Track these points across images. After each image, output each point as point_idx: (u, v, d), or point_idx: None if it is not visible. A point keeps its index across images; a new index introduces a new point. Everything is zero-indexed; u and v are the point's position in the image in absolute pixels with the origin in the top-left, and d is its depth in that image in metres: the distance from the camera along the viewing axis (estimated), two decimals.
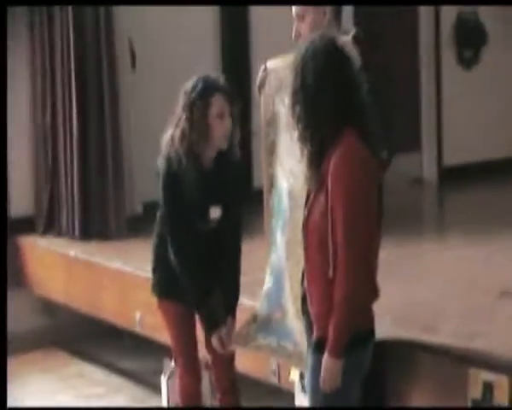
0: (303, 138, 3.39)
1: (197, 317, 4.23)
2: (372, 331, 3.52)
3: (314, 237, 3.40)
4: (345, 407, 3.46)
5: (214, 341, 4.17)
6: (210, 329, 4.17)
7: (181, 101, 4.10)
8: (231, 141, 4.16)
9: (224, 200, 4.19)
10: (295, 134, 3.43)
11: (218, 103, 4.07)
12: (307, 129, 3.38)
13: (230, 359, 4.31)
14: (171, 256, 4.12)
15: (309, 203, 3.45)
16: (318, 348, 3.41)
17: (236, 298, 4.26)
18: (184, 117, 4.06)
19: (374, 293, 3.49)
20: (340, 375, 3.35)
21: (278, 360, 4.43)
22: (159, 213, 4.25)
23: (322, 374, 3.36)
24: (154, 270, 4.30)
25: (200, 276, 4.13)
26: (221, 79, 4.16)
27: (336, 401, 3.43)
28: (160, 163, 4.12)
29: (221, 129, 4.08)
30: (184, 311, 4.21)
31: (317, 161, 3.38)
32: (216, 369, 4.34)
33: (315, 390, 3.46)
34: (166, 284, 4.22)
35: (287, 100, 3.48)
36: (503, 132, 9.08)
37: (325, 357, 3.35)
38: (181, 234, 4.11)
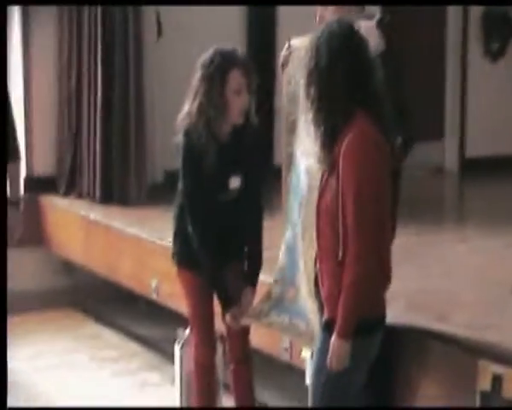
0: (316, 120, 3.42)
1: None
2: (382, 318, 3.55)
3: (325, 219, 3.43)
4: (345, 407, 3.50)
5: (228, 317, 4.21)
6: (224, 306, 4.21)
7: (198, 73, 4.10)
8: (248, 114, 4.18)
9: (243, 170, 4.21)
10: (309, 115, 3.45)
11: (235, 79, 4.07)
12: (320, 110, 3.40)
13: (246, 330, 4.35)
14: (190, 230, 4.16)
15: (321, 185, 3.48)
16: (327, 328, 3.45)
17: (259, 267, 4.28)
18: (202, 91, 4.06)
19: (385, 279, 3.51)
20: (347, 357, 3.38)
21: (290, 337, 4.47)
22: (179, 185, 4.28)
23: (329, 354, 3.40)
24: (175, 239, 4.33)
25: (218, 252, 4.16)
26: (239, 52, 4.15)
27: (338, 383, 3.47)
28: (179, 138, 4.14)
29: (238, 105, 4.09)
30: (203, 281, 4.24)
31: (329, 142, 3.41)
32: (231, 340, 4.37)
33: (319, 369, 3.49)
34: (186, 254, 4.25)
35: (302, 81, 3.50)
36: None
37: (333, 338, 3.38)
38: (199, 210, 4.14)
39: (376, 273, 3.40)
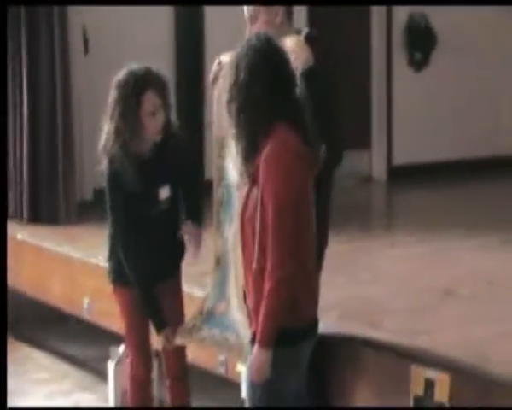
0: (238, 135, 3.43)
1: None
2: (310, 327, 3.51)
3: (249, 230, 3.43)
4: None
5: (161, 338, 4.20)
6: (157, 327, 4.21)
7: (113, 93, 4.09)
8: (168, 127, 4.18)
9: (170, 179, 4.22)
10: (231, 132, 3.46)
11: (150, 101, 4.08)
12: (241, 126, 3.41)
13: (182, 346, 4.34)
14: (121, 255, 4.17)
15: (244, 196, 3.49)
16: (253, 341, 3.41)
17: (198, 203, 4.36)
18: (117, 113, 4.06)
19: (311, 287, 3.49)
20: (267, 366, 3.35)
21: (220, 351, 4.46)
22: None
23: (249, 364, 3.40)
24: (110, 257, 4.32)
25: (150, 272, 4.16)
26: (153, 70, 4.14)
27: (271, 394, 3.43)
28: (103, 165, 4.14)
29: (153, 125, 4.11)
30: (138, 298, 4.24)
31: (250, 156, 3.42)
32: (167, 356, 4.36)
33: (251, 385, 3.46)
34: (120, 271, 4.23)
35: (223, 98, 3.50)
36: (451, 134, 9.23)
37: (254, 348, 3.37)
38: (128, 236, 4.14)
39: (297, 280, 3.37)
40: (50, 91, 6.98)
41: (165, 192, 4.21)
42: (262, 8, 3.94)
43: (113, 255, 4.29)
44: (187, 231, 4.28)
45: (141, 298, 4.17)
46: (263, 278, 3.36)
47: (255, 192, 3.40)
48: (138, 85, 4.06)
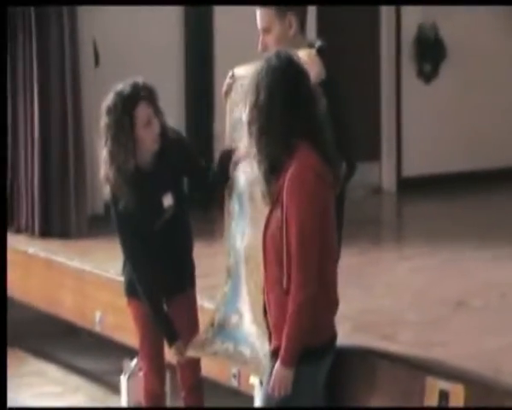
0: (259, 156, 3.44)
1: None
2: (330, 343, 3.58)
3: (271, 250, 3.45)
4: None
5: (172, 352, 4.21)
6: (168, 341, 4.22)
7: (104, 119, 4.10)
8: (164, 133, 4.18)
9: (172, 185, 4.22)
10: (253, 152, 3.47)
11: (142, 113, 4.08)
12: (262, 147, 3.42)
13: (197, 358, 4.34)
14: (131, 270, 4.21)
15: (267, 216, 3.50)
16: (274, 356, 3.47)
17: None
18: (110, 137, 4.06)
19: (331, 304, 3.55)
20: (289, 384, 3.42)
21: (236, 365, 4.47)
22: None
23: (271, 381, 3.43)
24: (123, 270, 4.34)
25: (159, 287, 4.18)
26: (139, 82, 4.12)
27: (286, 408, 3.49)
28: (108, 197, 4.17)
29: (149, 136, 4.11)
30: None
31: (271, 177, 3.44)
32: (181, 368, 4.35)
33: (268, 398, 3.51)
34: (134, 283, 4.23)
35: (244, 118, 3.51)
36: (461, 145, 9.23)
37: (277, 365, 3.41)
38: (135, 253, 4.17)
39: (319, 300, 3.42)
40: (61, 105, 7.00)
41: (168, 200, 4.21)
42: (276, 20, 3.94)
43: (126, 268, 4.31)
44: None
45: (151, 312, 4.19)
46: (287, 297, 3.39)
47: (278, 213, 3.42)
48: (128, 104, 4.06)
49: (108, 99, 4.11)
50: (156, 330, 4.26)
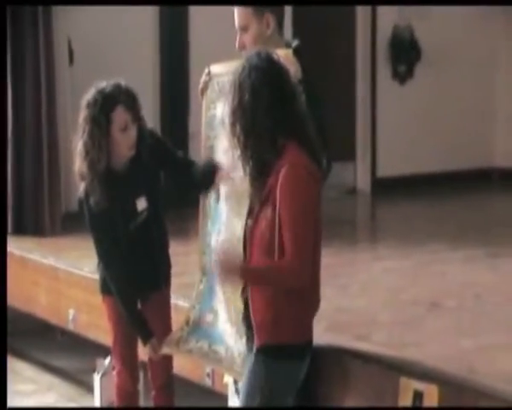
0: (244, 156, 3.43)
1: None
2: (309, 344, 3.59)
3: (260, 247, 3.45)
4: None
5: (147, 349, 4.19)
6: (142, 339, 4.20)
7: (82, 113, 4.07)
8: (140, 140, 4.16)
9: (145, 189, 4.20)
10: (237, 153, 3.46)
11: (119, 117, 4.06)
12: (247, 147, 3.41)
13: (168, 357, 4.33)
14: (103, 268, 4.18)
15: (254, 214, 3.48)
16: (260, 353, 3.47)
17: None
18: (86, 131, 4.04)
19: (317, 304, 3.58)
20: (228, 284, 3.54)
21: (210, 365, 4.46)
22: None
23: (220, 272, 3.45)
24: (98, 267, 4.31)
25: (134, 285, 4.16)
26: (122, 85, 4.10)
27: (269, 405, 3.48)
28: (81, 194, 4.14)
29: (125, 141, 4.09)
30: None
31: (260, 177, 3.44)
32: (152, 366, 4.35)
33: (250, 395, 3.51)
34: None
35: (226, 119, 3.50)
36: (436, 146, 9.28)
37: (240, 272, 3.41)
38: (107, 252, 4.14)
39: (308, 296, 3.47)
40: (35, 102, 6.97)
41: (141, 204, 4.18)
42: (253, 19, 3.95)
43: (100, 265, 4.28)
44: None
45: (124, 310, 4.17)
46: (273, 293, 3.41)
47: (268, 212, 3.41)
48: (107, 103, 4.04)
49: (89, 94, 4.08)
50: (129, 329, 4.24)
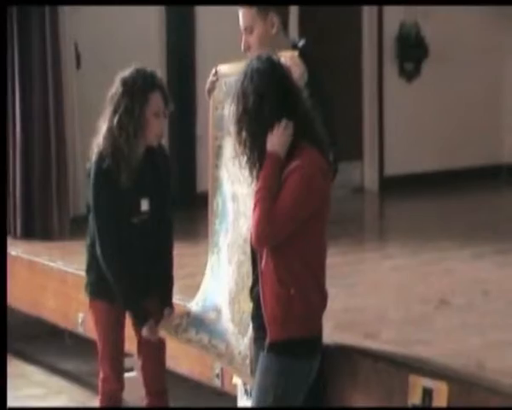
0: (252, 160, 3.45)
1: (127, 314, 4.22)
2: (319, 339, 3.61)
3: (268, 249, 3.46)
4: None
5: (144, 330, 4.15)
6: (140, 324, 4.15)
7: (118, 89, 4.07)
8: (160, 138, 4.20)
9: (152, 193, 4.19)
10: (244, 159, 3.47)
11: (155, 101, 4.08)
12: (254, 151, 3.43)
13: (161, 362, 4.31)
14: (99, 255, 4.11)
15: None
16: (272, 350, 3.49)
17: (171, 289, 4.28)
18: (123, 107, 4.04)
19: (323, 299, 3.58)
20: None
21: (208, 356, 4.38)
22: (90, 214, 4.22)
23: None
24: (88, 270, 4.28)
25: (130, 275, 4.12)
26: (158, 75, 4.16)
27: (285, 404, 3.51)
28: (93, 159, 4.09)
29: (156, 127, 4.10)
30: (116, 312, 4.20)
31: None
32: (146, 373, 4.29)
33: (263, 393, 3.52)
34: (99, 284, 4.19)
35: (232, 128, 3.50)
36: (443, 144, 9.26)
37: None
38: (110, 230, 4.09)
39: (312, 291, 3.48)
40: (43, 107, 6.98)
41: (144, 205, 4.18)
42: (258, 20, 3.95)
43: (92, 268, 4.24)
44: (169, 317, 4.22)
45: (120, 290, 4.09)
46: (283, 289, 3.42)
47: None
48: (147, 84, 4.07)
49: (127, 72, 4.10)
50: (119, 334, 4.21)
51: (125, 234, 4.12)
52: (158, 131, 4.12)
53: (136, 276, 4.14)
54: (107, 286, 4.14)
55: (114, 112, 4.05)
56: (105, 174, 4.06)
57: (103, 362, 4.28)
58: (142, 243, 4.18)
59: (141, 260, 4.17)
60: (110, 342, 4.23)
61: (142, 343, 4.26)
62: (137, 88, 4.04)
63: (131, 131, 4.03)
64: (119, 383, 4.26)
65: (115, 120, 4.04)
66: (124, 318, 4.25)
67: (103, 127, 4.10)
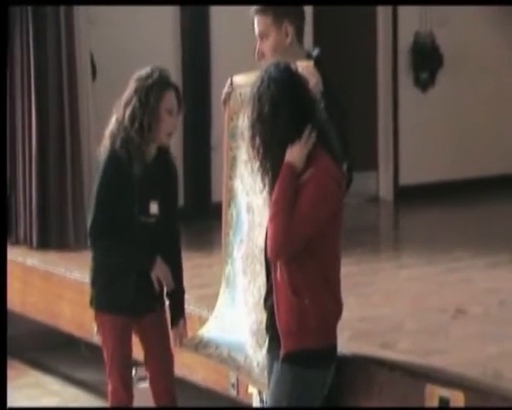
0: (264, 169, 3.45)
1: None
2: (334, 349, 3.60)
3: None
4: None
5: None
6: (146, 263, 4.13)
7: (132, 85, 4.10)
8: (168, 152, 4.21)
9: (160, 197, 4.19)
10: (256, 165, 3.48)
11: (169, 98, 4.10)
12: (266, 159, 3.43)
13: (170, 373, 4.30)
14: (87, 230, 4.11)
15: None
16: (287, 360, 3.48)
17: (183, 302, 4.29)
18: (136, 99, 4.04)
19: (338, 309, 3.58)
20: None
21: (228, 370, 4.42)
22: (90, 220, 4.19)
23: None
24: (93, 283, 4.25)
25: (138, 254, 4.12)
26: (171, 76, 4.20)
27: None
28: (103, 151, 4.08)
29: (168, 125, 4.10)
30: (122, 324, 4.19)
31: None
32: (156, 385, 4.28)
33: (278, 401, 3.52)
34: (105, 296, 4.18)
35: (246, 132, 3.52)
36: (458, 153, 9.24)
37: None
38: (103, 213, 4.06)
39: (326, 301, 3.48)
40: (59, 118, 7.00)
41: (154, 207, 4.17)
42: (272, 28, 3.96)
43: (97, 280, 4.22)
44: (178, 332, 4.26)
45: (121, 257, 4.11)
46: (297, 298, 3.41)
47: None
48: (162, 81, 4.10)
49: (142, 70, 4.13)
50: (126, 345, 4.19)
51: (129, 229, 4.09)
52: (170, 128, 4.12)
53: (140, 273, 4.14)
54: (113, 298, 4.15)
55: (127, 105, 4.06)
56: (116, 162, 4.03)
57: (111, 375, 4.25)
58: (148, 243, 4.14)
59: (148, 258, 4.14)
60: (117, 354, 4.21)
61: (149, 357, 4.26)
62: (153, 82, 4.07)
63: (145, 124, 4.03)
64: (128, 394, 4.23)
65: (128, 112, 4.04)
66: (131, 329, 4.24)
67: (113, 119, 4.11)
